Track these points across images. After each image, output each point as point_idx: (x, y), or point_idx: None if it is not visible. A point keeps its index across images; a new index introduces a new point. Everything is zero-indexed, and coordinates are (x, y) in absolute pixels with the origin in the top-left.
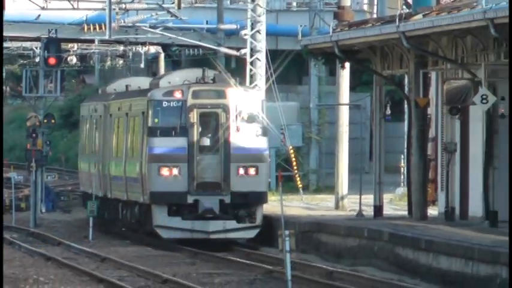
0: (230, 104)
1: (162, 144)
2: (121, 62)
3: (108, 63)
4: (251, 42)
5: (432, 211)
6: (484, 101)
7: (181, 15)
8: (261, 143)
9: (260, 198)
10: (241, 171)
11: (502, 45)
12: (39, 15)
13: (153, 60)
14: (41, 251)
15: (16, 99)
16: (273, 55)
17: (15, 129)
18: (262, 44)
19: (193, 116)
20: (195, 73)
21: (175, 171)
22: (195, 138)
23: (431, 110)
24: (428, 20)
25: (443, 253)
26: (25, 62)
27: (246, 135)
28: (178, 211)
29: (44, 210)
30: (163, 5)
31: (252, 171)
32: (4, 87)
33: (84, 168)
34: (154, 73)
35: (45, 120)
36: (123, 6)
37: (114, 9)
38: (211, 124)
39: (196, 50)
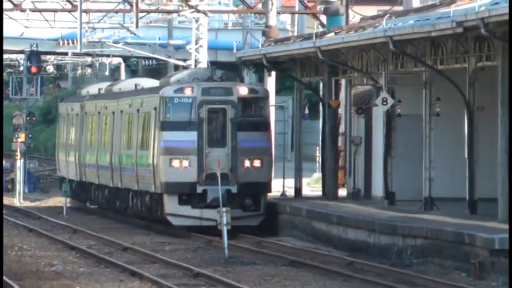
0: (237, 100)
1: (173, 138)
2: (89, 70)
3: (79, 71)
4: (195, 55)
5: (342, 192)
6: (384, 103)
7: (139, 33)
8: (265, 137)
9: (264, 188)
10: (247, 163)
11: (399, 57)
12: (23, 33)
13: (115, 69)
14: (24, 224)
15: (4, 101)
16: (213, 65)
17: (3, 125)
18: (204, 56)
19: (203, 112)
20: (203, 72)
21: (185, 163)
22: (204, 132)
23: (341, 110)
24: (339, 37)
25: (351, 226)
26: (12, 70)
27: (251, 130)
28: (188, 200)
29: (26, 191)
30: (124, 24)
31: (257, 163)
32: None
33: (90, 160)
34: (116, 79)
35: (28, 118)
36: (91, 25)
37: (84, 27)
38: (220, 119)
39: (150, 61)
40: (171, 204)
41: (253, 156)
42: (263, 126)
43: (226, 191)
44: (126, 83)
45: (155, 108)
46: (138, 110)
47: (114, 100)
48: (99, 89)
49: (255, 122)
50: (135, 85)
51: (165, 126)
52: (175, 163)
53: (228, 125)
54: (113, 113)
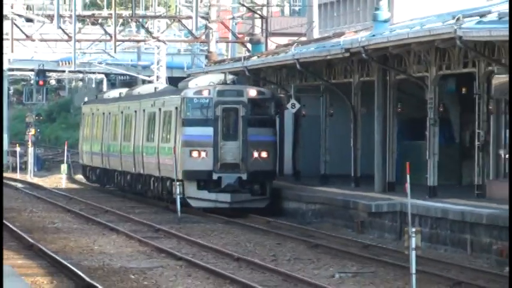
0: (247, 101)
1: (192, 133)
2: (81, 83)
3: (74, 84)
4: (157, 72)
5: None
6: (293, 107)
7: (116, 56)
8: (271, 132)
9: (270, 175)
10: (256, 154)
11: (303, 74)
12: (33, 56)
13: (99, 82)
14: (34, 193)
15: (19, 105)
16: (170, 80)
17: (19, 123)
18: (163, 74)
19: (218, 110)
20: (217, 76)
21: (203, 154)
22: (219, 128)
23: None
24: (261, 60)
25: None
26: (25, 83)
27: (259, 126)
28: (205, 186)
29: (36, 170)
30: (106, 50)
31: (264, 154)
32: (13, 98)
33: (114, 151)
34: (100, 90)
35: (36, 117)
36: (82, 50)
37: (77, 52)
38: (232, 117)
39: (125, 76)
40: (190, 189)
41: (260, 149)
42: (269, 123)
43: (238, 178)
44: (145, 87)
45: (176, 108)
46: (159, 109)
47: (137, 101)
48: (119, 93)
49: (263, 120)
50: (155, 88)
51: (186, 122)
52: (195, 154)
53: (239, 122)
54: (135, 112)
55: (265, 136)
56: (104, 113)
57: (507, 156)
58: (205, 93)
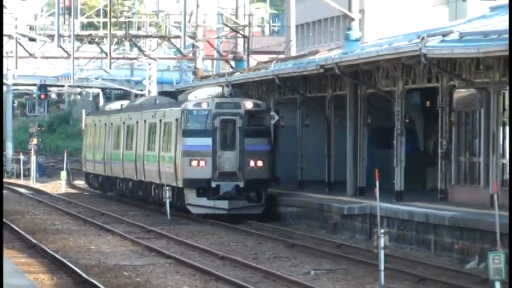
0: (244, 113)
1: (192, 143)
2: (79, 97)
3: (72, 97)
4: (148, 87)
5: None
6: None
7: (111, 72)
8: (266, 142)
9: (266, 183)
10: (252, 163)
11: (282, 88)
12: (35, 72)
13: (96, 96)
14: (36, 198)
15: (23, 117)
16: (160, 94)
17: (23, 133)
18: (154, 88)
19: (217, 122)
20: (215, 89)
21: (202, 163)
22: (218, 138)
23: None
24: (243, 75)
25: None
26: (28, 97)
27: (255, 136)
28: (204, 193)
29: (38, 176)
30: (102, 67)
31: (260, 163)
32: (17, 111)
33: (117, 159)
34: (97, 104)
35: (39, 128)
36: (80, 67)
37: (75, 68)
38: (230, 128)
39: (119, 91)
40: (190, 196)
41: (257, 158)
42: (265, 133)
43: (235, 185)
44: (146, 100)
45: (176, 119)
46: (160, 120)
47: (138, 112)
48: (121, 105)
49: (258, 130)
50: (155, 100)
51: (186, 133)
52: (194, 163)
53: (236, 133)
54: (137, 122)
55: (261, 146)
56: (106, 124)
57: (467, 163)
58: (204, 106)
